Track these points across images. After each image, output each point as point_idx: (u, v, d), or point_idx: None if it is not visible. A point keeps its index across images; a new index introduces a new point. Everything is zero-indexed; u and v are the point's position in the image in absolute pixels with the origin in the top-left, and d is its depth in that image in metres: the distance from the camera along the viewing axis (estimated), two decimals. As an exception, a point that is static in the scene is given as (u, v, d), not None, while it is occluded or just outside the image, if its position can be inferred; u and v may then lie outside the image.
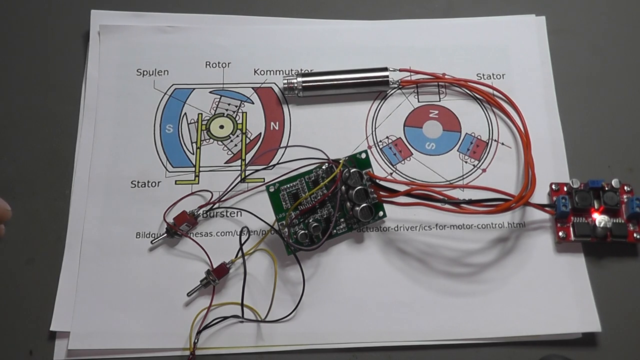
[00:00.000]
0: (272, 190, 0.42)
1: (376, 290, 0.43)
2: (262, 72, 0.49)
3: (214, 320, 0.41)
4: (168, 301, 0.42)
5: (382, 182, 0.43)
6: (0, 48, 0.50)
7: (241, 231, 0.43)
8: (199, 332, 0.41)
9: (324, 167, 0.43)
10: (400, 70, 0.49)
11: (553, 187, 0.45)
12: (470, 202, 0.41)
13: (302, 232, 0.42)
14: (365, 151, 0.43)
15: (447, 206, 0.41)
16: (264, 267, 0.43)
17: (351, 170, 0.42)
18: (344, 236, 0.44)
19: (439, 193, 0.41)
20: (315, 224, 0.42)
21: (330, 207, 0.43)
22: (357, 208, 0.42)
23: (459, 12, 0.52)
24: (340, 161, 0.42)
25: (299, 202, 0.42)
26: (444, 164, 0.47)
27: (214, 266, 0.42)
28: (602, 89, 0.49)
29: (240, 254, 0.42)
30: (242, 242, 0.42)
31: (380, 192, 0.43)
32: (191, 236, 0.44)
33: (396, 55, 0.50)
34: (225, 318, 0.41)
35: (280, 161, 0.46)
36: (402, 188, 0.42)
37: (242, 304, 0.41)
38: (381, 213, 0.44)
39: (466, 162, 0.47)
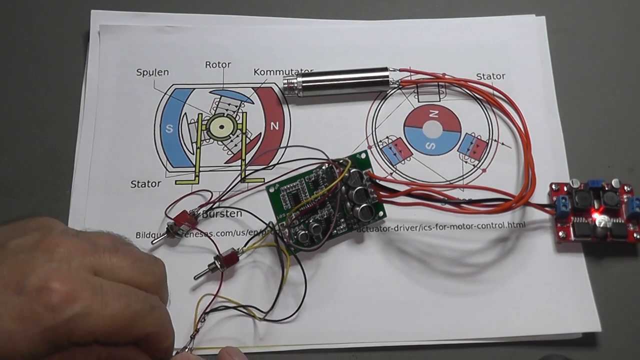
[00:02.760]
0: (272, 191, 0.42)
1: (376, 290, 0.43)
2: (262, 72, 0.49)
3: (218, 307, 0.41)
4: (168, 301, 0.42)
5: (382, 182, 0.43)
6: (0, 48, 0.50)
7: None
8: (205, 313, 0.41)
9: (324, 167, 0.43)
10: (400, 70, 0.49)
11: (553, 187, 0.45)
12: (471, 202, 0.41)
13: (303, 232, 0.42)
14: (365, 151, 0.43)
15: (447, 206, 0.41)
16: (267, 266, 0.43)
17: (351, 170, 0.42)
18: (344, 236, 0.44)
19: (439, 193, 0.41)
20: (316, 224, 0.42)
21: (331, 208, 0.43)
22: (357, 208, 0.42)
23: (458, 12, 0.52)
24: (348, 161, 0.42)
25: (301, 206, 0.42)
26: (444, 164, 0.47)
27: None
28: (602, 89, 0.49)
29: (247, 244, 0.43)
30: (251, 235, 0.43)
31: (380, 192, 0.43)
32: (194, 232, 0.44)
33: (396, 55, 0.50)
34: (227, 308, 0.41)
35: (280, 161, 0.46)
36: (402, 188, 0.42)
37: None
38: (381, 213, 0.44)
39: (466, 162, 0.47)
